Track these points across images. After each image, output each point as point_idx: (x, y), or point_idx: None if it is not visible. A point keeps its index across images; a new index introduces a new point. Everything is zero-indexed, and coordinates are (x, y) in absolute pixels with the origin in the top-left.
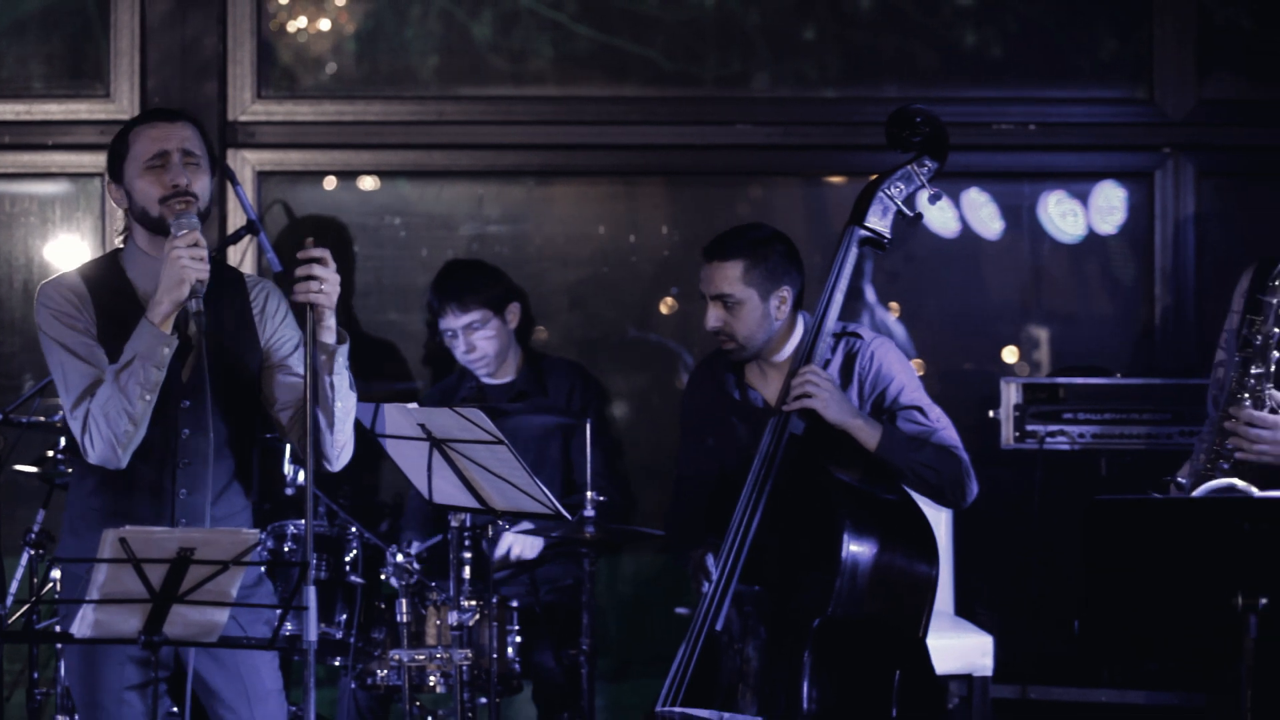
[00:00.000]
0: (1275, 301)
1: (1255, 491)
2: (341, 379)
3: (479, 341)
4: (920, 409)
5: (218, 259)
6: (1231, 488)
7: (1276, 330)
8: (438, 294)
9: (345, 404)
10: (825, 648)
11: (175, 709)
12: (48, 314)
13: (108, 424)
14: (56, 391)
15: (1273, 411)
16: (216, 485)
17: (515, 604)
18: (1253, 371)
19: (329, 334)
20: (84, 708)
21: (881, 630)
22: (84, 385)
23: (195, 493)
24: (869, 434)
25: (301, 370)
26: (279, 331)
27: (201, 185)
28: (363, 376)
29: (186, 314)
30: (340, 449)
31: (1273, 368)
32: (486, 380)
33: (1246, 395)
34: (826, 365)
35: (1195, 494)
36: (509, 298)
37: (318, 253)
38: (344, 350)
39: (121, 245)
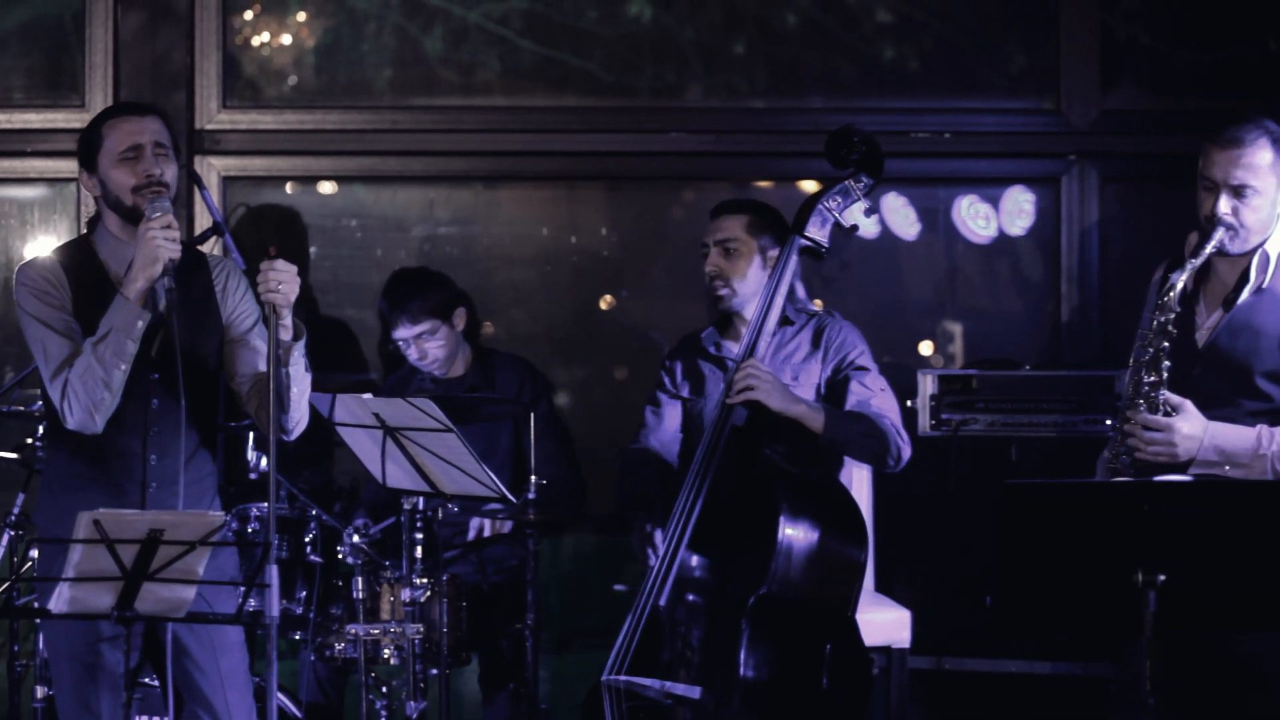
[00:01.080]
0: (1164, 319)
1: None
2: (298, 368)
3: (430, 349)
4: (868, 370)
5: (184, 243)
6: None
7: (1166, 344)
8: (389, 306)
9: (300, 387)
10: (761, 622)
11: (149, 678)
12: (26, 292)
13: (85, 392)
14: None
15: (1166, 414)
16: (185, 452)
17: (464, 582)
18: (1147, 380)
19: (286, 331)
20: (61, 675)
21: (814, 607)
22: (62, 357)
23: (165, 458)
24: (814, 417)
25: (257, 344)
26: (239, 307)
27: (171, 173)
28: (320, 369)
29: (157, 292)
30: (296, 424)
31: (1165, 375)
32: (440, 375)
33: (1141, 401)
34: (798, 333)
35: None
36: (455, 303)
37: (280, 264)
38: (300, 345)
39: (86, 230)
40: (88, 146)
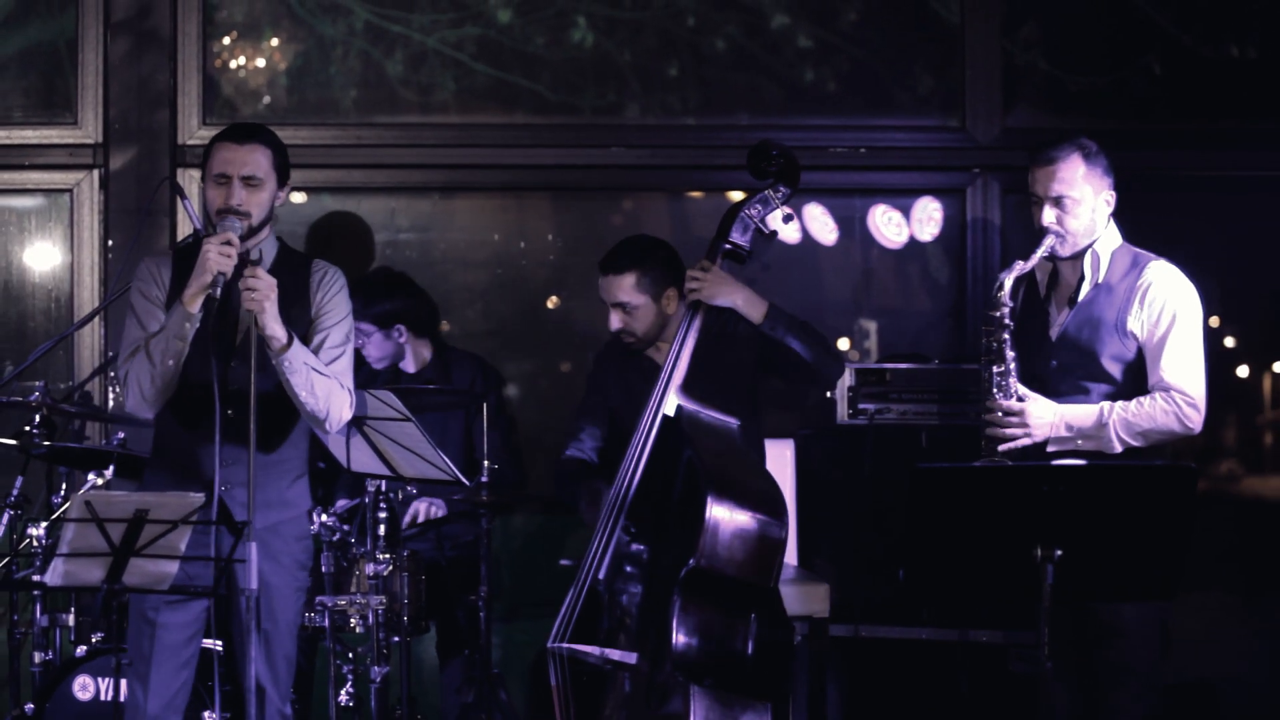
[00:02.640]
0: (997, 314)
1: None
2: (294, 374)
3: (370, 349)
4: None
5: (293, 251)
6: None
7: (1005, 336)
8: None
9: (307, 391)
10: (691, 594)
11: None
12: (134, 282)
13: (136, 382)
14: (33, 375)
15: (1019, 400)
16: (264, 431)
17: (423, 557)
18: (996, 370)
19: (272, 336)
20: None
21: (740, 580)
22: (131, 348)
23: (238, 440)
24: (756, 305)
25: (321, 340)
26: (326, 303)
27: (259, 200)
28: None
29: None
30: (322, 419)
31: (1012, 365)
32: (401, 369)
33: (996, 391)
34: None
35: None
36: (396, 318)
37: (260, 274)
38: (289, 353)
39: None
40: (204, 159)
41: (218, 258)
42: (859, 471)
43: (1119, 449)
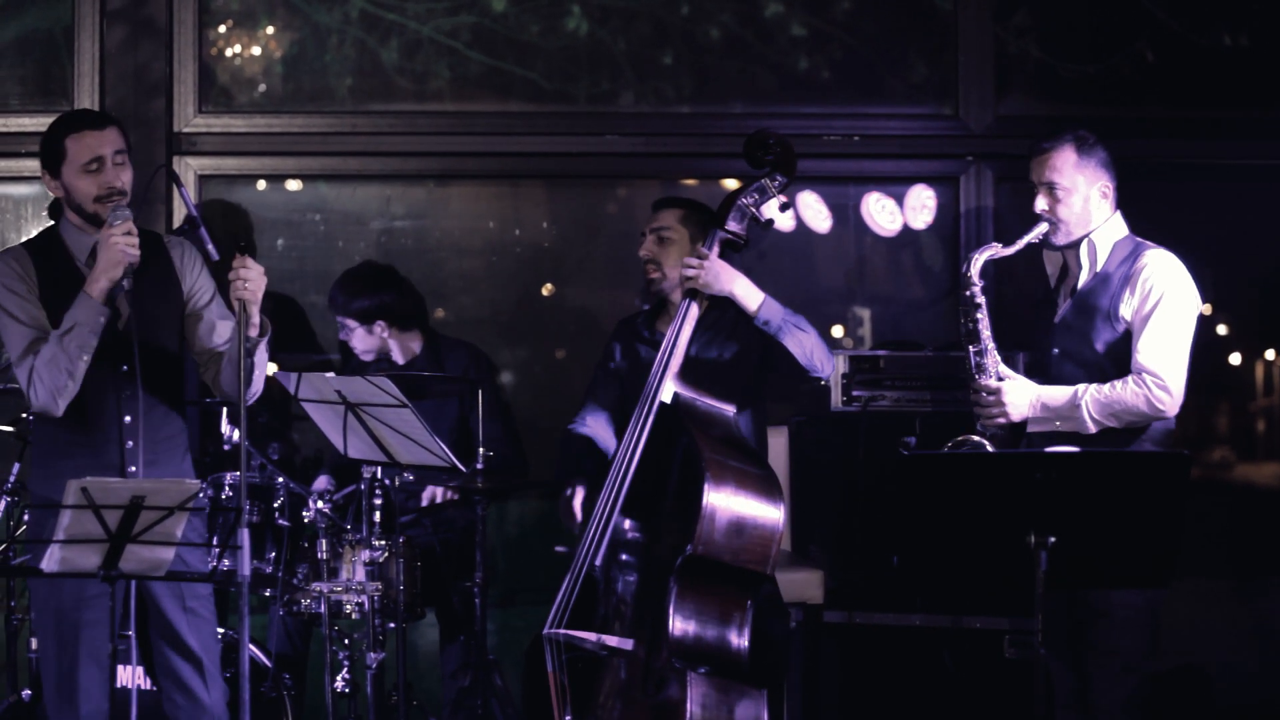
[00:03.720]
0: (968, 294)
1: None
2: (262, 358)
3: (355, 341)
4: None
5: (142, 229)
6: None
7: (979, 315)
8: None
9: (261, 371)
10: (689, 581)
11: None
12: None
13: (50, 378)
14: None
15: (999, 380)
16: (152, 415)
17: (419, 543)
18: (974, 350)
19: (254, 329)
20: (45, 628)
21: (736, 566)
22: (25, 344)
23: (136, 419)
24: (752, 296)
25: (212, 319)
26: (196, 283)
27: (128, 179)
28: (286, 349)
29: (119, 289)
30: (253, 395)
31: (989, 345)
32: (392, 361)
33: (977, 371)
34: (723, 314)
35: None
36: (377, 314)
37: (250, 264)
38: (264, 342)
39: (48, 215)
40: (51, 154)
41: (127, 248)
42: (853, 458)
43: (1093, 429)
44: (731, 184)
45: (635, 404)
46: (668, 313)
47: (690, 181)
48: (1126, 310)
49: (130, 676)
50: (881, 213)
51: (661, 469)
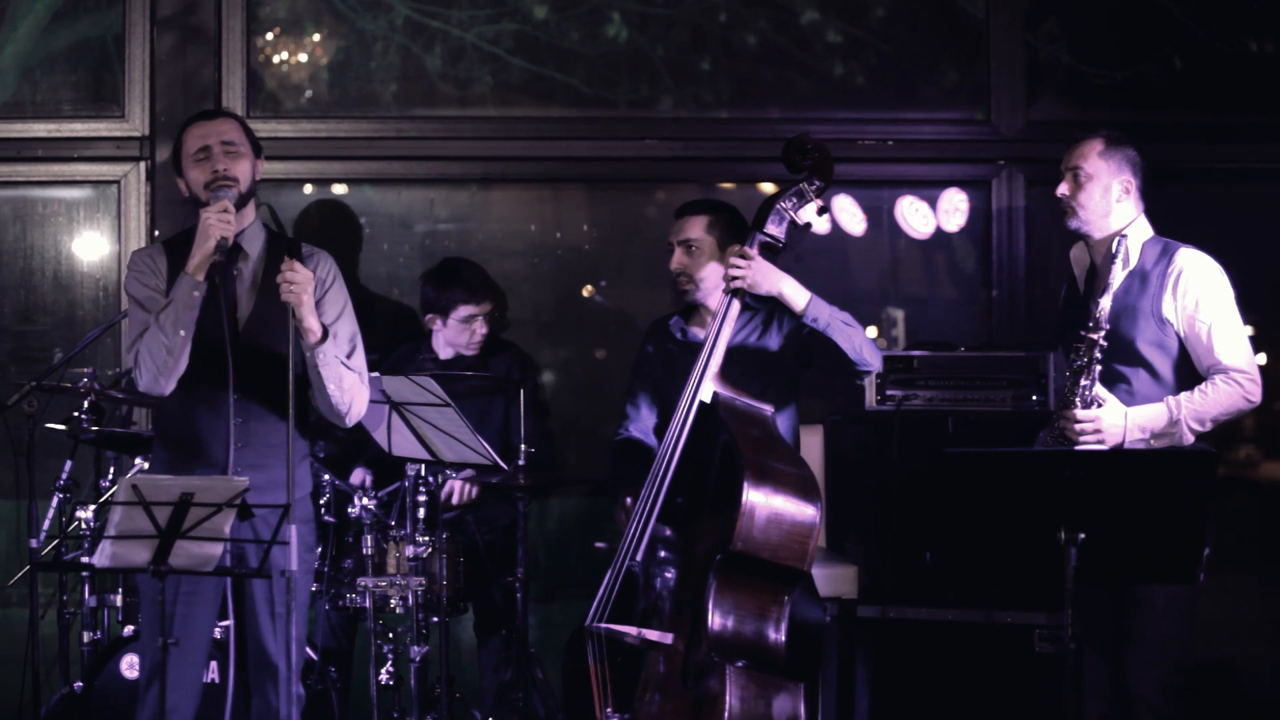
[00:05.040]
0: (1095, 336)
1: None
2: (326, 368)
3: (448, 335)
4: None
5: (282, 234)
6: None
7: (1098, 354)
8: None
9: (335, 385)
10: (728, 577)
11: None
12: (130, 274)
13: (150, 355)
14: (82, 361)
15: (1098, 406)
16: (264, 419)
17: (461, 540)
18: (1082, 383)
19: (307, 330)
20: (147, 620)
21: (773, 563)
22: (139, 330)
23: (247, 420)
24: (799, 294)
25: (343, 338)
26: (326, 296)
27: (241, 168)
28: None
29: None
30: (344, 414)
31: (1095, 379)
32: (442, 357)
33: (1076, 399)
34: (754, 315)
35: None
36: (489, 312)
37: (296, 268)
38: (324, 346)
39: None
40: (174, 154)
41: (219, 224)
42: (887, 456)
43: (1191, 440)
44: (768, 188)
45: (671, 404)
46: (699, 314)
47: (727, 185)
48: (1170, 311)
49: (228, 671)
50: (915, 215)
51: (701, 467)
